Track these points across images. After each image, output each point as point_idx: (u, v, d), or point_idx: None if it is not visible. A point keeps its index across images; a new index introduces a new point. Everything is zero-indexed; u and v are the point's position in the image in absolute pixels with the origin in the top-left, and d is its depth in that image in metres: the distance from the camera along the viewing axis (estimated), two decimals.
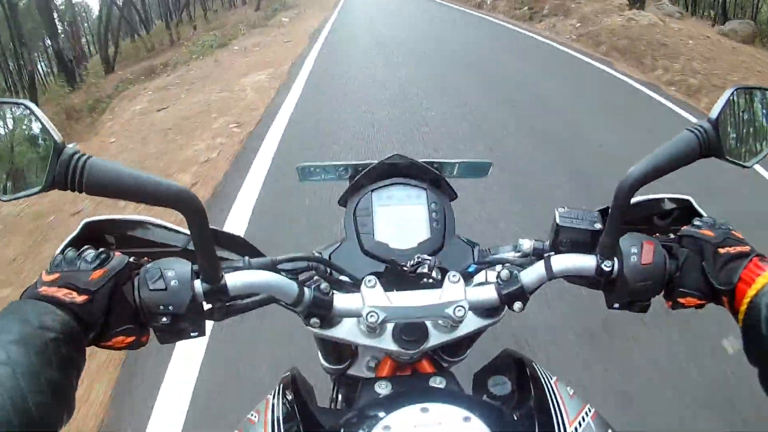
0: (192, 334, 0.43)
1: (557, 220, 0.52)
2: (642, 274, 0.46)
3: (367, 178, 0.60)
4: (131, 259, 0.42)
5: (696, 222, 0.50)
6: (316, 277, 0.49)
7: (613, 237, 0.47)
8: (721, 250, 0.46)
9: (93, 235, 0.49)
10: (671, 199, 0.56)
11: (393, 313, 0.46)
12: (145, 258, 0.44)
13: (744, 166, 0.50)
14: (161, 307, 0.40)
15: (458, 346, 0.64)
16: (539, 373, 0.51)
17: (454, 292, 0.47)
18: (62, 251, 0.42)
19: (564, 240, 0.51)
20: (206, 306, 0.43)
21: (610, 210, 0.46)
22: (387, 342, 0.51)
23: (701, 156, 0.45)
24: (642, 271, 0.46)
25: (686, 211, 0.56)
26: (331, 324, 0.51)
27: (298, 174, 0.65)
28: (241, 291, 0.43)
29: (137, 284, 0.41)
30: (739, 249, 0.46)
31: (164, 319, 0.40)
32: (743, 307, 0.42)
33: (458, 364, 0.67)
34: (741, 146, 0.50)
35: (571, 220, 0.51)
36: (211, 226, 0.42)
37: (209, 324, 0.45)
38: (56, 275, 0.39)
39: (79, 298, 0.37)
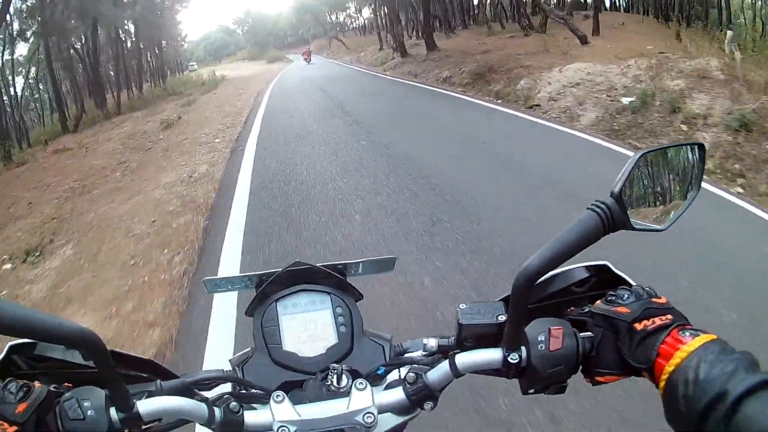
0: None
1: (458, 318, 0.51)
2: (552, 361, 0.45)
3: (270, 288, 0.61)
4: (52, 387, 0.44)
5: (610, 296, 0.48)
6: (226, 395, 0.49)
7: (517, 328, 0.46)
8: (638, 326, 0.44)
9: (17, 357, 0.52)
10: (587, 267, 0.54)
11: (303, 426, 0.47)
12: (66, 384, 0.46)
13: (658, 230, 0.48)
14: None
15: None
16: None
17: (361, 399, 0.49)
18: None
19: (468, 336, 0.51)
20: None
21: (510, 303, 0.45)
22: None
23: (606, 233, 0.43)
24: (551, 357, 0.45)
25: (604, 276, 0.54)
26: None
27: (205, 287, 0.66)
28: (154, 416, 0.45)
29: (59, 414, 0.43)
30: (657, 322, 0.43)
31: None
32: (662, 384, 0.40)
33: None
34: (652, 211, 0.48)
35: (473, 315, 0.51)
36: (119, 350, 0.46)
37: None
38: None
39: (10, 429, 0.40)
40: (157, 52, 29.90)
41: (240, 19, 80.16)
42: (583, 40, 12.40)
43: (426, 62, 14.91)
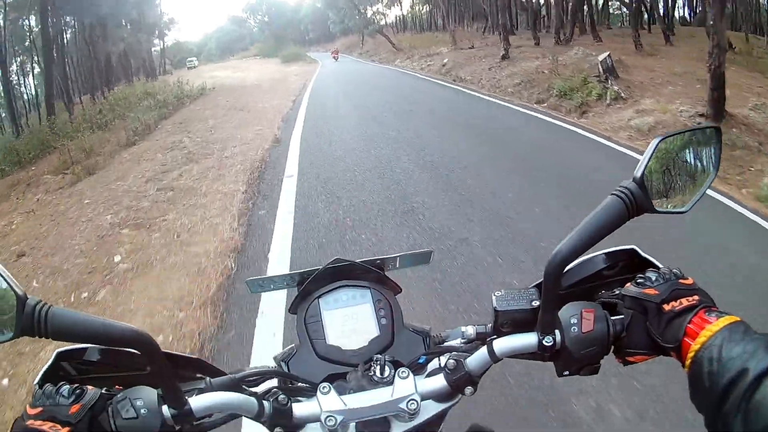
0: None
1: (495, 305, 0.53)
2: (585, 343, 0.47)
3: (312, 285, 0.63)
4: (104, 390, 0.46)
5: (639, 278, 0.50)
6: (274, 389, 0.52)
7: (550, 312, 0.48)
8: (666, 307, 0.46)
9: (66, 363, 0.52)
10: (615, 252, 0.56)
11: (349, 415, 0.50)
12: (117, 386, 0.48)
13: (681, 213, 0.50)
14: None
15: (431, 423, 0.64)
16: None
17: (404, 387, 0.51)
18: (40, 384, 0.46)
19: (504, 322, 0.52)
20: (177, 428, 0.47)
21: (542, 289, 0.47)
22: None
23: (630, 217, 0.45)
24: (584, 339, 0.47)
25: (632, 260, 0.56)
26: (295, 429, 0.53)
27: (248, 287, 0.67)
28: (206, 412, 0.47)
29: (111, 414, 0.44)
30: (684, 303, 0.46)
31: None
32: (688, 362, 0.42)
33: None
34: (674, 194, 0.50)
35: (508, 302, 0.52)
36: (170, 352, 0.48)
37: None
38: (39, 409, 0.43)
39: (63, 430, 0.42)
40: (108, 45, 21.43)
41: (251, 6, 64.61)
42: None
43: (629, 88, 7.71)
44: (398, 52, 24.42)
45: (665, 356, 0.47)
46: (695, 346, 0.42)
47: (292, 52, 37.52)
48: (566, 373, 0.50)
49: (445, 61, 15.76)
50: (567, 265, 0.46)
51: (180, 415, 0.45)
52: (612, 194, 0.46)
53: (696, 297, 0.46)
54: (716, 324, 0.42)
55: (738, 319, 0.42)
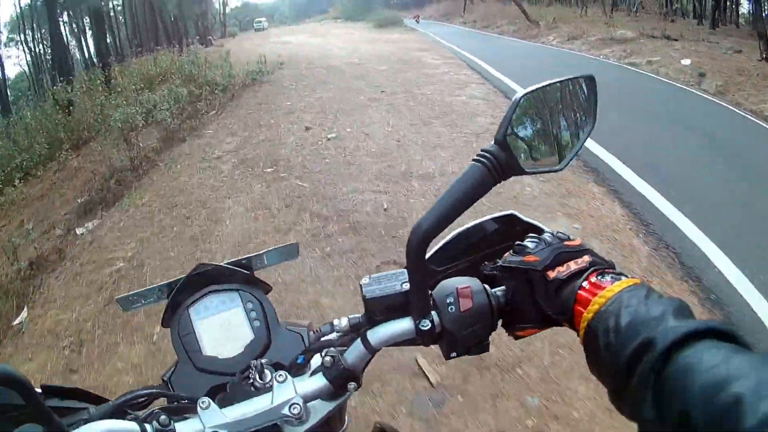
0: None
1: (363, 293, 0.49)
2: (466, 322, 0.44)
3: (179, 296, 0.60)
4: None
5: (517, 245, 0.46)
6: (156, 410, 0.49)
7: (421, 294, 0.45)
8: (551, 274, 0.42)
9: None
10: (494, 219, 0.52)
11: (234, 427, 0.48)
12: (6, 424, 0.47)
13: (554, 171, 0.47)
14: None
15: (330, 423, 0.61)
16: None
17: (284, 392, 0.49)
18: None
19: (376, 310, 0.49)
20: None
21: (407, 270, 0.44)
22: None
23: (497, 181, 0.42)
24: (464, 318, 0.44)
25: (514, 227, 0.52)
26: None
27: (120, 305, 0.64)
28: None
29: None
30: (573, 267, 0.41)
31: None
32: (582, 332, 0.38)
33: None
34: (546, 151, 0.47)
35: (375, 289, 0.49)
36: (48, 384, 0.48)
37: None
38: None
39: None
40: None
41: None
42: None
43: None
44: (532, 27, 17.12)
45: (559, 327, 0.43)
46: (587, 315, 0.37)
47: (384, 16, 27.76)
48: (453, 354, 0.47)
49: (688, 62, 8.57)
50: (429, 240, 0.43)
51: None
52: (473, 160, 0.42)
53: (586, 258, 0.42)
54: (610, 289, 0.37)
55: (637, 281, 0.37)
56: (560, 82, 0.47)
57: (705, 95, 7.01)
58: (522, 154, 0.44)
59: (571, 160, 0.47)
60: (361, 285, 0.50)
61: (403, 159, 4.39)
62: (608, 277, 0.39)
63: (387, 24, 24.48)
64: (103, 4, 14.93)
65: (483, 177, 0.41)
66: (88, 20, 16.78)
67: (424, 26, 24.13)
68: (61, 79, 10.13)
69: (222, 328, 0.58)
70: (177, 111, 6.34)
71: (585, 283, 0.39)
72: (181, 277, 0.61)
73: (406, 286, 0.47)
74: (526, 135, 0.45)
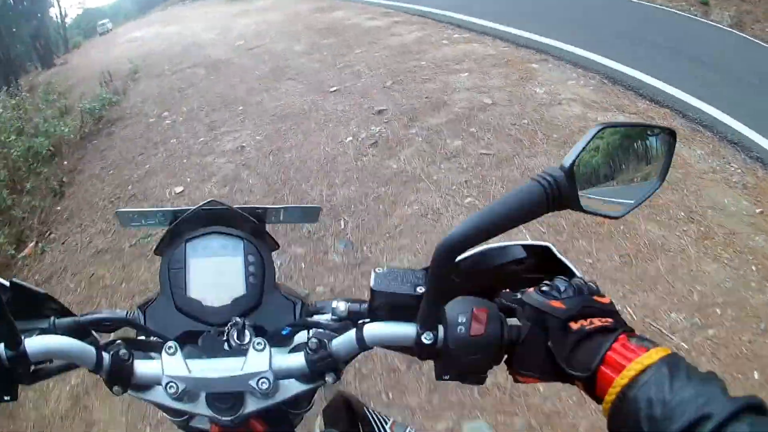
0: (5, 398, 0.42)
1: (371, 283, 0.45)
2: (471, 348, 0.40)
3: (182, 226, 0.57)
4: None
5: (545, 285, 0.42)
6: (119, 340, 0.46)
7: (435, 304, 0.41)
8: (573, 325, 0.38)
9: None
10: (526, 246, 0.48)
11: (193, 384, 0.45)
12: None
13: (611, 218, 0.43)
14: None
15: (298, 400, 0.58)
16: (372, 418, 0.51)
17: (257, 361, 0.45)
18: None
19: (380, 305, 0.45)
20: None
21: (429, 276, 0.39)
22: (201, 408, 0.48)
23: (549, 210, 0.37)
24: (471, 343, 0.40)
25: (545, 260, 0.48)
26: (139, 388, 0.47)
27: (119, 219, 0.62)
28: (42, 357, 0.42)
29: None
30: (598, 323, 0.38)
31: None
32: (611, 398, 0.35)
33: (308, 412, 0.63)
34: (607, 193, 0.42)
35: (389, 282, 0.45)
36: (18, 282, 0.45)
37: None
38: None
39: None
40: None
41: None
42: None
43: None
44: None
45: (563, 383, 0.39)
46: (621, 380, 0.34)
47: None
48: (446, 377, 0.43)
49: None
50: (462, 251, 0.38)
51: (14, 357, 0.41)
52: (533, 179, 0.37)
53: (610, 320, 0.38)
54: (647, 357, 0.35)
55: (669, 351, 0.35)
56: (640, 126, 0.44)
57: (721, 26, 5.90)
58: (582, 190, 0.39)
59: (630, 211, 0.43)
60: (373, 272, 0.46)
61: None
62: (640, 343, 0.37)
63: None
64: None
65: (538, 200, 0.36)
66: None
67: None
68: None
69: (215, 273, 0.55)
70: None
71: (616, 345, 0.36)
72: (187, 207, 0.58)
73: (420, 290, 0.44)
74: (592, 170, 0.41)
